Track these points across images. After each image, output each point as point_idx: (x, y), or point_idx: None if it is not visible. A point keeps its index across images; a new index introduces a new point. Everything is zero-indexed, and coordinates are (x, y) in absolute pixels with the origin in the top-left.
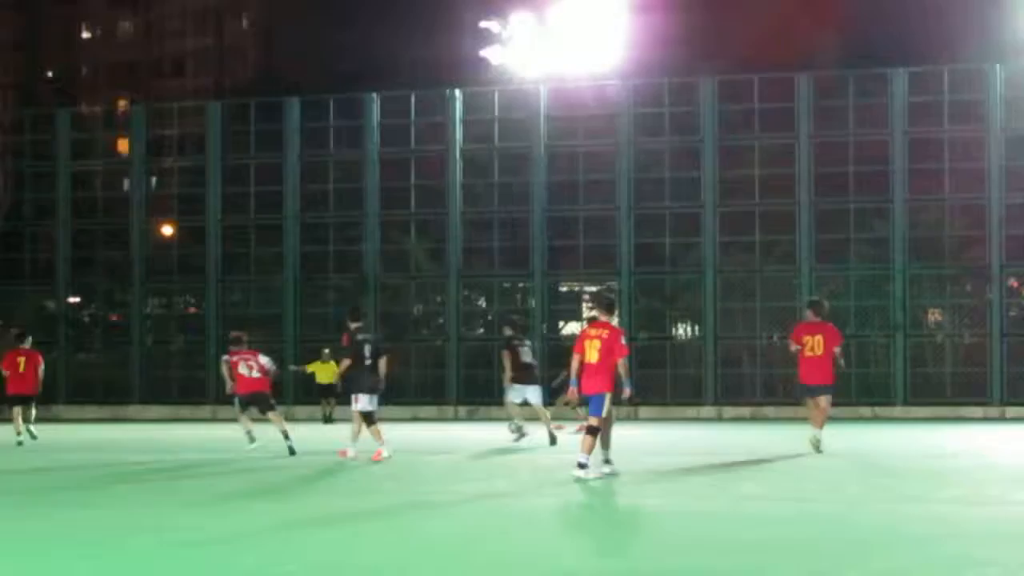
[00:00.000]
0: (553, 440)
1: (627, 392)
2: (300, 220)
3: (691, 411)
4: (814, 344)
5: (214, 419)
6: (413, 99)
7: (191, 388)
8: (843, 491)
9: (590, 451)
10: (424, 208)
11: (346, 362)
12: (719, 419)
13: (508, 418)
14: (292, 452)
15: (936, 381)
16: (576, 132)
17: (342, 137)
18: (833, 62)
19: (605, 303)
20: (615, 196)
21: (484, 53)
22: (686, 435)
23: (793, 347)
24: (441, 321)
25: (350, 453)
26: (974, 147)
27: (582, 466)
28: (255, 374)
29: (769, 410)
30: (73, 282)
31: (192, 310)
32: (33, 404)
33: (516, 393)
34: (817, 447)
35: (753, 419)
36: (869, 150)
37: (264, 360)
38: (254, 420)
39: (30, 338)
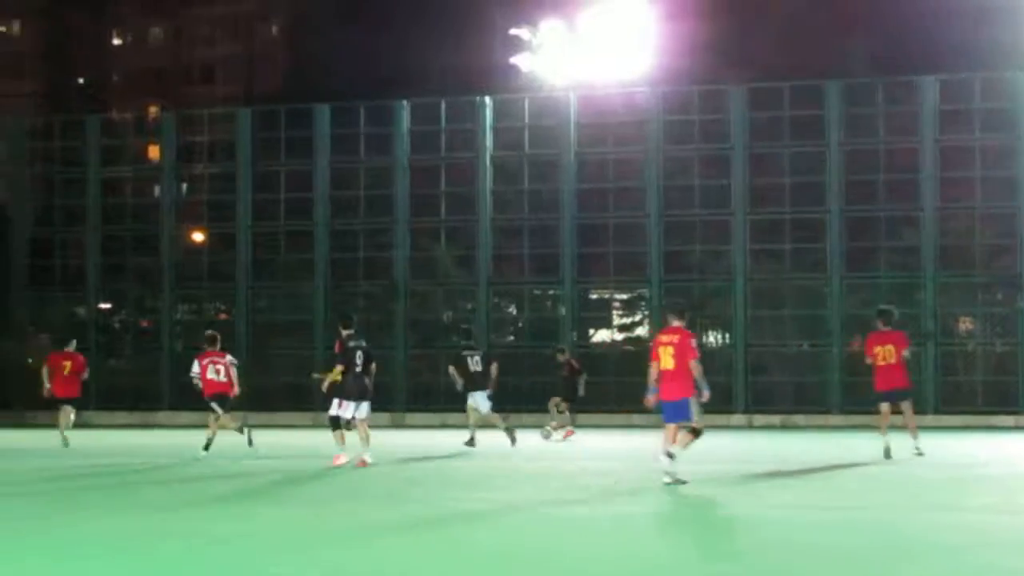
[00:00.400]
0: (513, 441)
1: (705, 395)
2: (330, 227)
3: (721, 419)
4: (885, 353)
5: (243, 425)
6: (443, 106)
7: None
8: (875, 499)
9: (684, 446)
10: (453, 215)
11: (338, 369)
12: (749, 427)
13: (466, 425)
14: (251, 443)
15: (967, 390)
16: (606, 139)
17: (372, 144)
18: (863, 70)
19: (676, 308)
20: (644, 203)
21: (514, 60)
22: (718, 443)
23: (868, 359)
24: (470, 328)
25: (368, 460)
26: (1005, 155)
27: (669, 455)
28: (221, 377)
29: (799, 418)
30: (103, 288)
31: (222, 316)
32: (74, 408)
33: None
34: (887, 454)
35: (783, 427)
36: (899, 158)
37: (231, 360)
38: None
39: (74, 341)
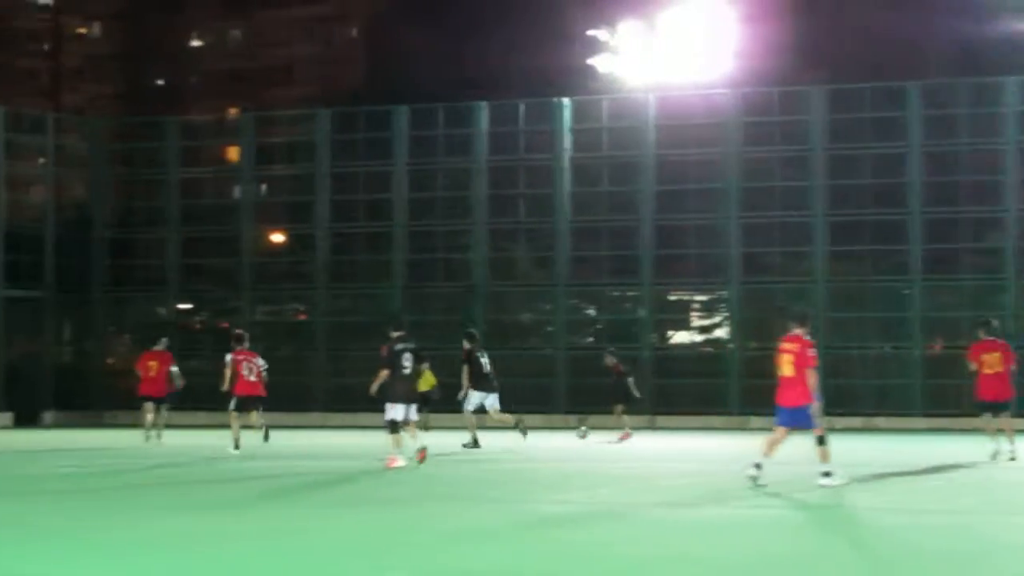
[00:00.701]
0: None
1: (816, 405)
2: (408, 228)
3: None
4: (992, 361)
5: (323, 426)
6: (522, 107)
7: (299, 395)
8: (956, 503)
9: (827, 459)
10: (532, 217)
11: (383, 372)
12: (830, 430)
13: (465, 427)
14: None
15: None
16: (684, 141)
17: (450, 145)
18: (945, 71)
19: (797, 316)
20: (723, 205)
21: (593, 61)
22: (803, 445)
23: (972, 367)
24: (549, 330)
25: (399, 462)
26: None
27: (826, 475)
28: (253, 377)
29: (880, 420)
30: (183, 289)
31: (300, 317)
32: (163, 406)
33: (475, 400)
34: (995, 456)
35: (864, 430)
36: (981, 160)
37: (261, 362)
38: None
39: (165, 340)
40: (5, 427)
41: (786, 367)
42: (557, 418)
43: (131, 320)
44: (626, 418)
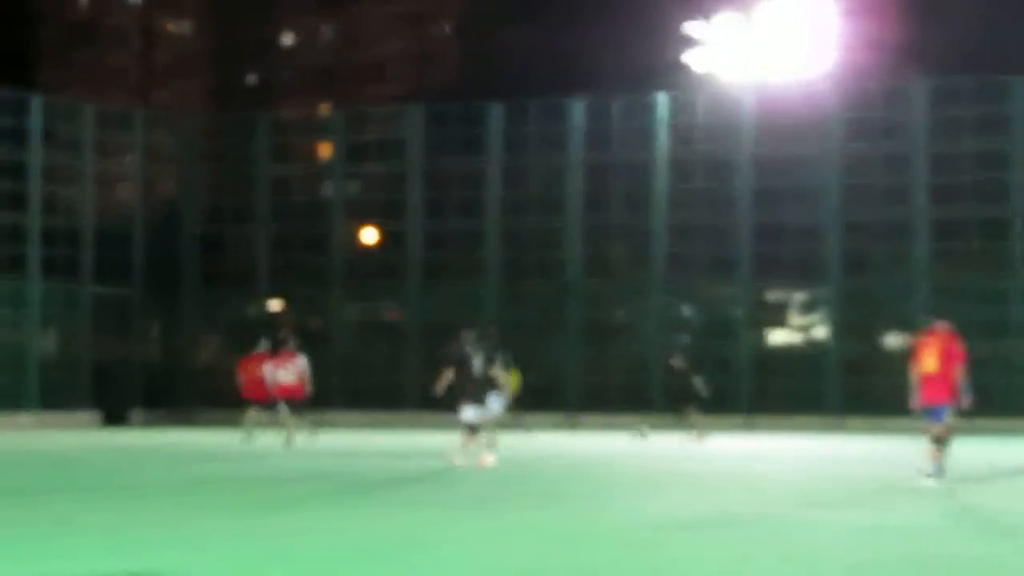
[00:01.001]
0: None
1: (966, 401)
2: (501, 225)
3: (902, 423)
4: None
5: (415, 426)
6: (617, 104)
7: (390, 394)
8: None
9: (934, 459)
10: (627, 214)
11: (448, 372)
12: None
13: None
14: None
15: None
16: (783, 137)
17: (544, 142)
18: None
19: (942, 311)
20: (823, 203)
21: (689, 56)
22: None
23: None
24: (643, 328)
25: (489, 460)
26: None
27: (929, 475)
28: (291, 379)
29: (981, 421)
30: (272, 287)
31: (392, 315)
32: (268, 409)
33: (464, 413)
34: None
35: (968, 431)
36: None
37: (302, 364)
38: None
39: (267, 342)
40: (91, 426)
41: (929, 362)
42: (653, 418)
43: (220, 318)
44: (699, 418)
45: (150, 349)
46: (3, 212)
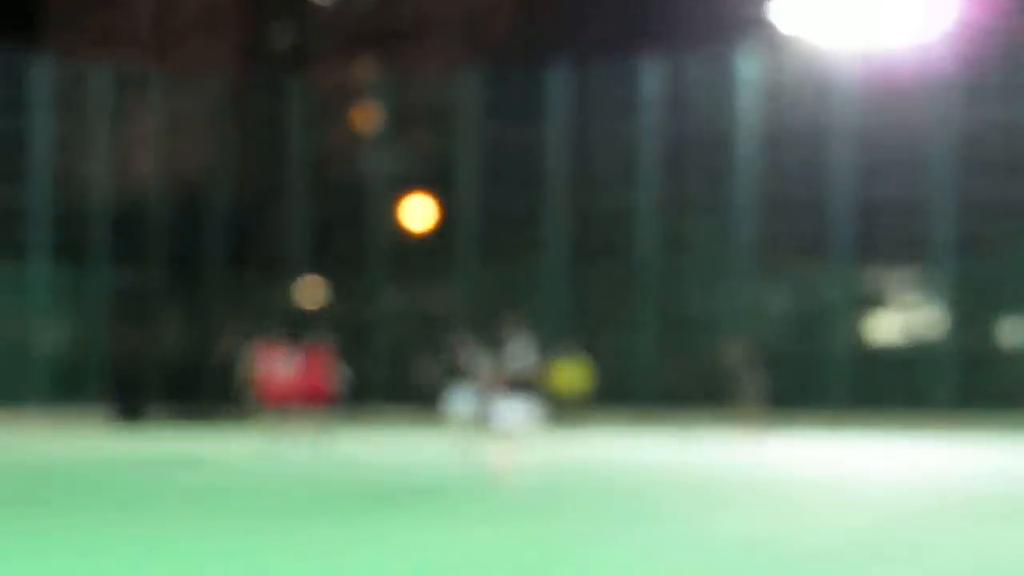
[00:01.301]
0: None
1: None
2: (565, 200)
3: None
4: None
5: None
6: (696, 64)
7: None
8: None
9: None
10: (708, 187)
11: (488, 367)
12: None
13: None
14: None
15: None
16: (889, 103)
17: (613, 107)
18: None
19: None
20: (934, 176)
21: (779, 10)
22: None
23: None
24: (726, 317)
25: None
26: None
27: None
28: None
29: None
30: (308, 270)
31: (441, 303)
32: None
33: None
34: None
35: None
36: None
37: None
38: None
39: (312, 336)
40: (104, 426)
41: None
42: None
43: (249, 307)
44: (756, 419)
45: (170, 341)
46: (5, 187)
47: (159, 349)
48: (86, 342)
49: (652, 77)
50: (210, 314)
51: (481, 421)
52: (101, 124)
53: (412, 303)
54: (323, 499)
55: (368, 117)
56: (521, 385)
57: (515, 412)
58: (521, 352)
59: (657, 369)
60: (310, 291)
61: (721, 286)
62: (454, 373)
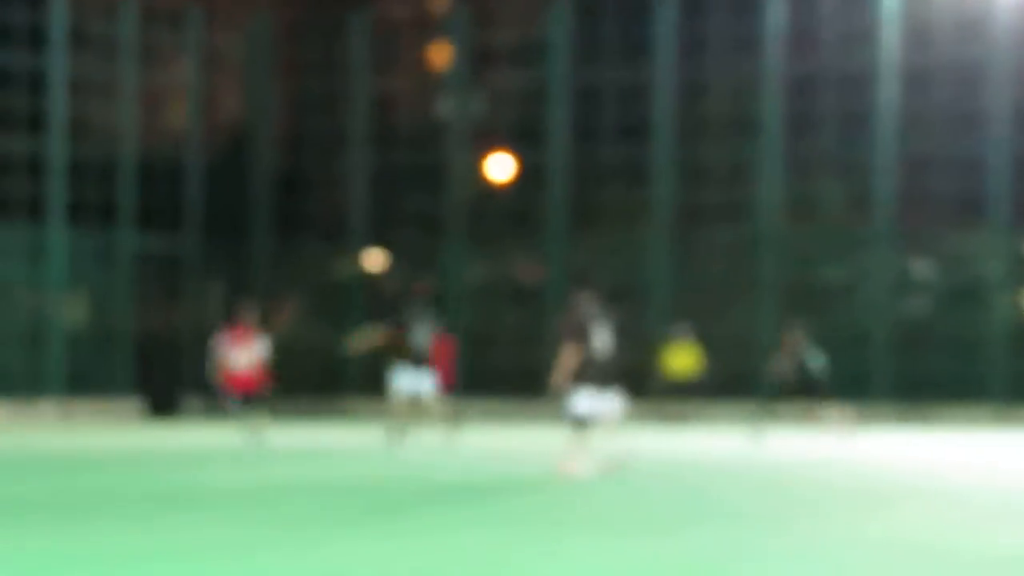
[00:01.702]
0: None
1: None
2: (673, 155)
3: None
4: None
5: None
6: None
7: (524, 378)
8: None
9: None
10: (841, 140)
11: (572, 352)
12: None
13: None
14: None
15: None
16: None
17: (731, 44)
18: None
19: None
20: None
21: None
22: None
23: None
24: (863, 291)
25: (580, 467)
26: None
27: None
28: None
29: None
30: (371, 236)
31: (528, 273)
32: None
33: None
34: None
35: None
36: None
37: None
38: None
39: (405, 316)
40: (132, 417)
41: None
42: (879, 409)
43: (301, 277)
44: (832, 410)
45: (209, 317)
46: (17, 137)
47: (195, 328)
48: (109, 321)
49: (775, 8)
50: (256, 287)
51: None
52: (129, 66)
53: (494, 274)
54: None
55: (442, 57)
56: (606, 372)
57: (603, 403)
58: (606, 334)
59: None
60: (374, 259)
61: (856, 256)
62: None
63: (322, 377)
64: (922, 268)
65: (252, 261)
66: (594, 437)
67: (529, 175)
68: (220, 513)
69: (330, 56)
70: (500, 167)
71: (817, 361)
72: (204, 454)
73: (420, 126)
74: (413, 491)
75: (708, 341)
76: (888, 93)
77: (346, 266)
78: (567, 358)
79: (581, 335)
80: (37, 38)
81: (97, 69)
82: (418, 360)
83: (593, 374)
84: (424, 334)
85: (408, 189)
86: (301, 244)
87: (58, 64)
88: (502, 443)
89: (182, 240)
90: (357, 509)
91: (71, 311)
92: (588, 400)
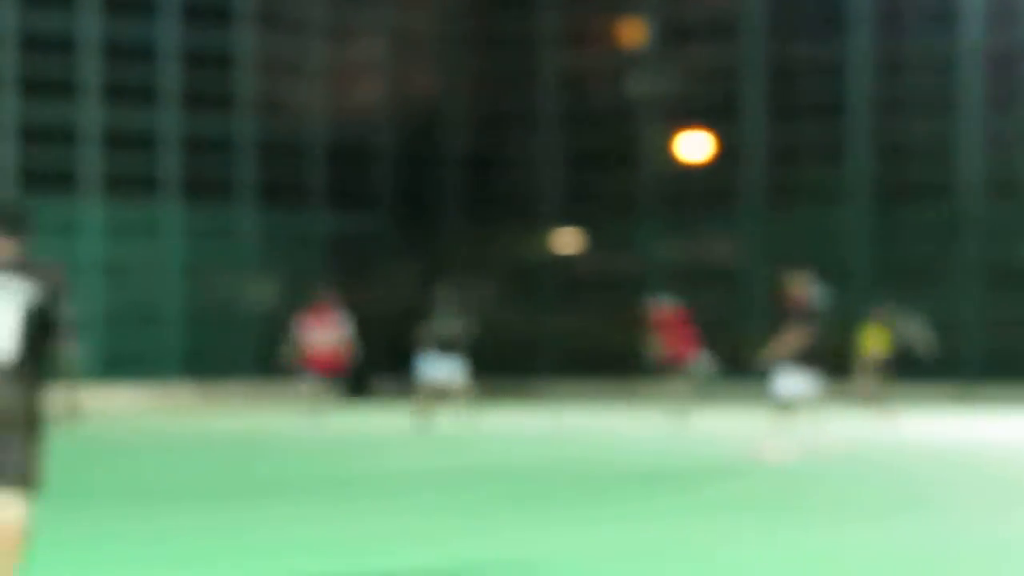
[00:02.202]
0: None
1: None
2: (870, 131)
3: None
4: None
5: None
6: None
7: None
8: None
9: None
10: None
11: (802, 333)
12: None
13: None
14: None
15: None
16: None
17: (929, 17)
18: None
19: None
20: None
21: None
22: None
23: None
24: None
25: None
26: None
27: None
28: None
29: None
30: (562, 218)
31: (724, 253)
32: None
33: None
34: None
35: None
36: None
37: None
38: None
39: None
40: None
41: None
42: None
43: (494, 259)
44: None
45: (401, 299)
46: (205, 117)
47: (387, 310)
48: (301, 301)
49: None
50: (447, 268)
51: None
52: (317, 42)
53: (690, 255)
54: None
55: (635, 32)
56: (814, 354)
57: (797, 383)
58: (808, 314)
59: (983, 335)
60: (566, 239)
61: None
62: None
63: (515, 358)
64: None
65: (444, 242)
66: (799, 420)
67: (724, 153)
68: (426, 498)
69: (521, 31)
70: (696, 145)
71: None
72: (400, 438)
73: (612, 103)
74: (619, 475)
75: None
76: None
77: (538, 246)
78: (794, 338)
79: (812, 317)
80: (223, 15)
81: (284, 46)
82: (446, 346)
83: (808, 356)
84: (450, 321)
85: (600, 168)
86: (493, 224)
87: (245, 40)
88: (709, 425)
89: (374, 220)
90: (569, 493)
91: (260, 292)
92: (798, 382)
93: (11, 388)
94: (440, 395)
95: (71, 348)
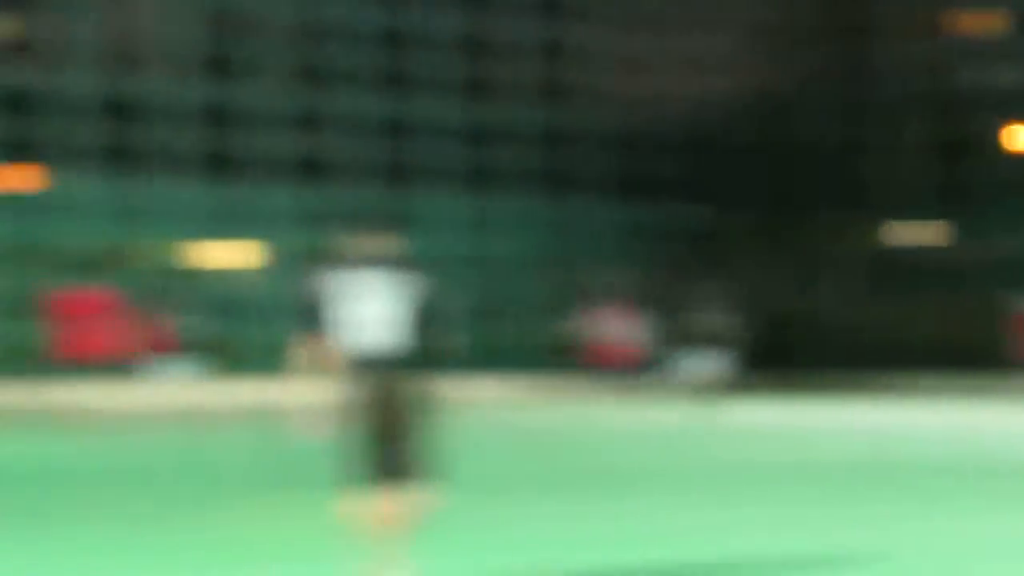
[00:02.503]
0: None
1: None
2: None
3: None
4: None
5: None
6: None
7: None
8: None
9: None
10: None
11: None
12: None
13: None
14: None
15: None
16: None
17: None
18: None
19: None
20: None
21: None
22: None
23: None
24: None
25: None
26: None
27: None
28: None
29: None
30: (920, 208)
31: None
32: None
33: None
34: None
35: None
36: None
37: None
38: None
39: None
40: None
41: None
42: None
43: (859, 250)
44: None
45: (769, 294)
46: (545, 108)
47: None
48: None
49: None
50: (809, 262)
51: None
52: (659, 38)
53: None
54: None
55: (974, 23)
56: None
57: None
58: None
59: None
60: (921, 232)
61: None
62: None
63: (882, 353)
64: None
65: (805, 235)
66: None
67: None
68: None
69: (871, 22)
70: None
71: None
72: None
73: (965, 91)
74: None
75: None
76: None
77: (905, 238)
78: None
79: None
80: (556, 6)
81: (625, 38)
82: (708, 341)
83: None
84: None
85: (956, 157)
86: (853, 216)
87: (605, 39)
88: None
89: (726, 213)
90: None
91: (619, 286)
92: None
93: (405, 379)
94: (706, 389)
95: (451, 340)
